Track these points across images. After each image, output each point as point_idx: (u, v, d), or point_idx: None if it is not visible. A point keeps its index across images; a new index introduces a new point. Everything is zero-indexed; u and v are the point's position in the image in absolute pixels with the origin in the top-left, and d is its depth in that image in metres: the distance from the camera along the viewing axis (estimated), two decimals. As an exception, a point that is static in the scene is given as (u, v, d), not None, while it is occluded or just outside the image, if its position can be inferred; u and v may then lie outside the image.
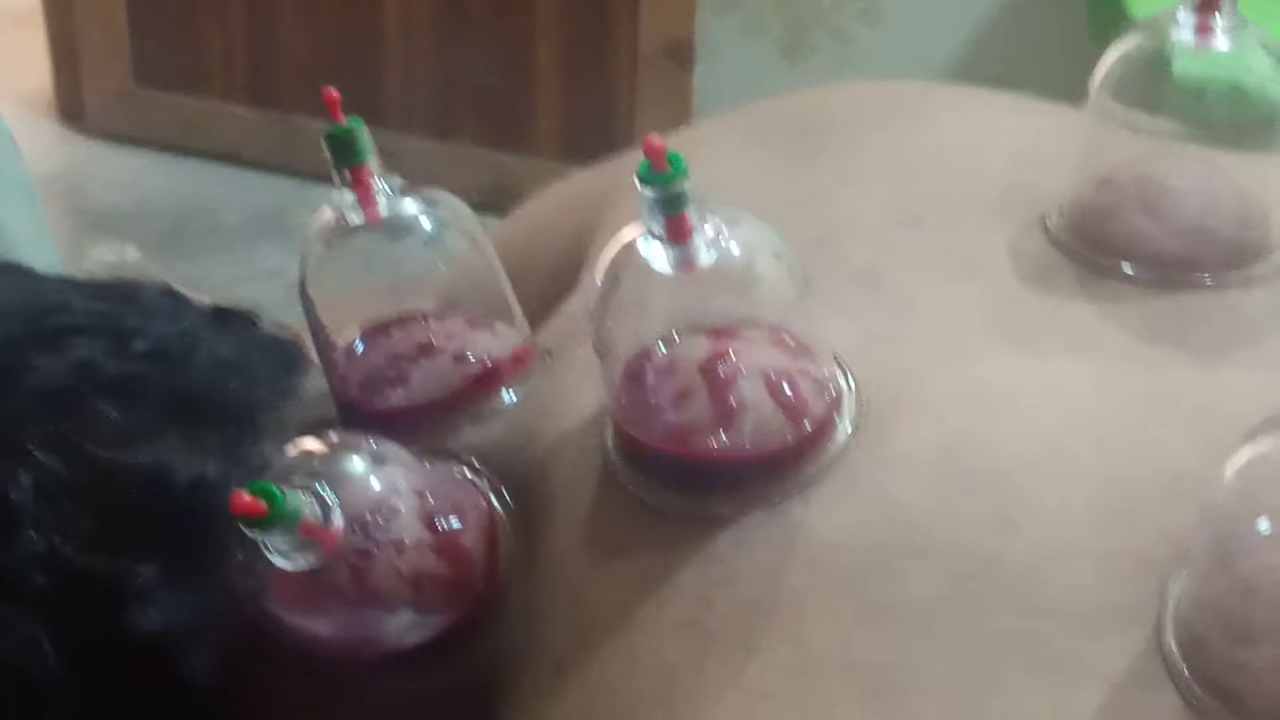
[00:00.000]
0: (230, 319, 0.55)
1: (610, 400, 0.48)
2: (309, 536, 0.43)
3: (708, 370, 0.47)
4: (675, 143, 0.45)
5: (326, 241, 0.52)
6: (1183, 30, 0.50)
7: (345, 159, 0.50)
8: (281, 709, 0.50)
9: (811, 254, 0.49)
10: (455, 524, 0.48)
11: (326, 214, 0.51)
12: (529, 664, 0.47)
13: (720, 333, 0.48)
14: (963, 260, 0.53)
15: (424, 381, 0.52)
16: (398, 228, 0.52)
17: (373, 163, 0.51)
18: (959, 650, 0.42)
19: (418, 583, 0.47)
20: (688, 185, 0.44)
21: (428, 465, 0.49)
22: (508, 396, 0.53)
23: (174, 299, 0.57)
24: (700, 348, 0.47)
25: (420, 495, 0.47)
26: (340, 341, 0.53)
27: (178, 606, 0.48)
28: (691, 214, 0.44)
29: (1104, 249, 0.52)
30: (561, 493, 0.49)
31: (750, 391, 0.47)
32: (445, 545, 0.47)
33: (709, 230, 0.45)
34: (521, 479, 0.50)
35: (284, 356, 0.54)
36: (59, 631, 0.47)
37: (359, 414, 0.52)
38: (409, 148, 2.07)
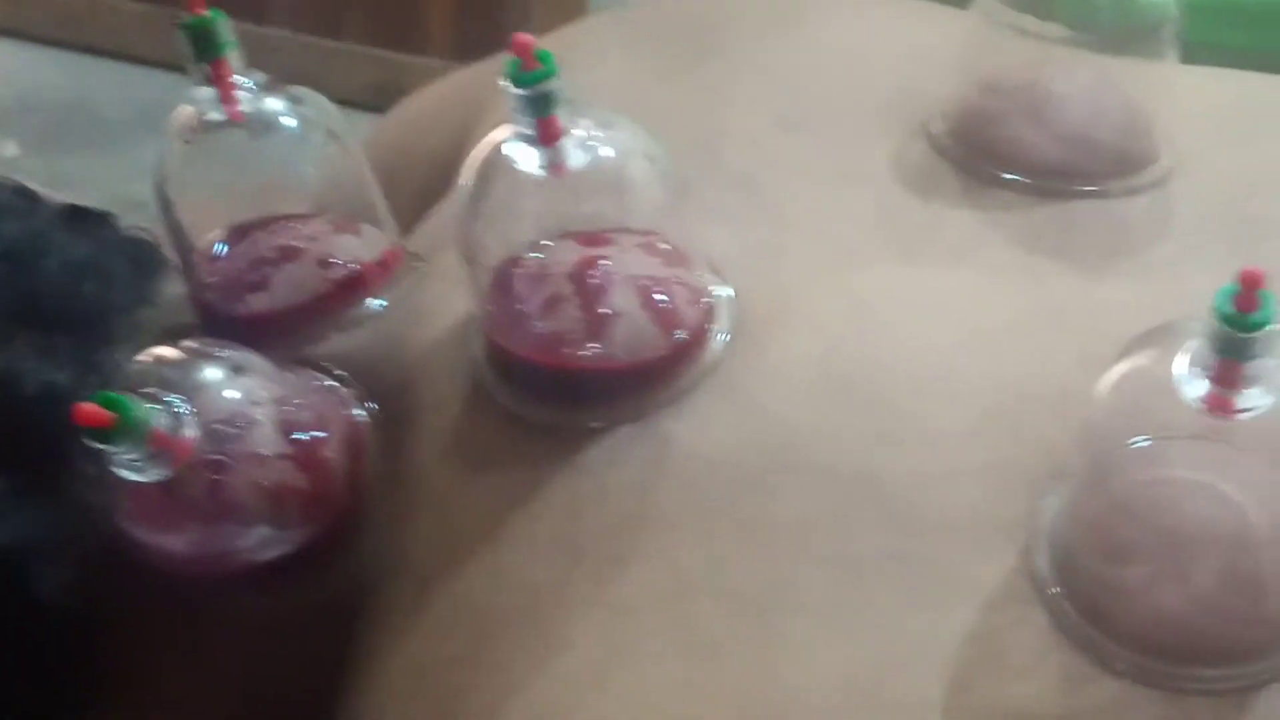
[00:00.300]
0: (86, 219, 0.53)
1: (479, 308, 0.46)
2: (158, 448, 0.41)
3: (578, 277, 0.45)
4: (553, 42, 0.43)
5: (186, 138, 0.49)
6: None
7: (204, 52, 0.47)
8: (141, 632, 0.48)
9: (688, 160, 0.47)
10: (317, 435, 0.46)
11: (186, 110, 0.48)
12: (393, 580, 0.45)
13: (593, 239, 0.46)
14: (844, 168, 0.51)
15: (287, 286, 0.50)
16: (260, 125, 0.49)
17: (233, 57, 0.48)
18: (833, 570, 0.41)
19: (276, 496, 0.45)
20: (557, 85, 0.42)
21: (289, 374, 0.47)
22: (374, 303, 0.51)
23: (25, 198, 0.54)
24: (571, 254, 0.46)
25: (280, 405, 0.46)
26: (201, 244, 0.51)
27: (26, 522, 0.46)
28: (562, 115, 0.42)
29: (988, 155, 0.51)
30: (429, 403, 0.47)
31: (621, 299, 0.45)
32: (305, 457, 0.46)
33: (580, 132, 0.43)
34: (388, 389, 0.49)
35: (142, 259, 0.52)
36: None
37: (219, 320, 0.50)
38: (296, 44, 2.02)
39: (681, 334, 0.45)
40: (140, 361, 0.44)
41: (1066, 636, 0.39)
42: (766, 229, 0.49)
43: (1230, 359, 0.36)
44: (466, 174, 0.45)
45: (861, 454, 0.43)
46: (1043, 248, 0.48)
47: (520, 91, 0.42)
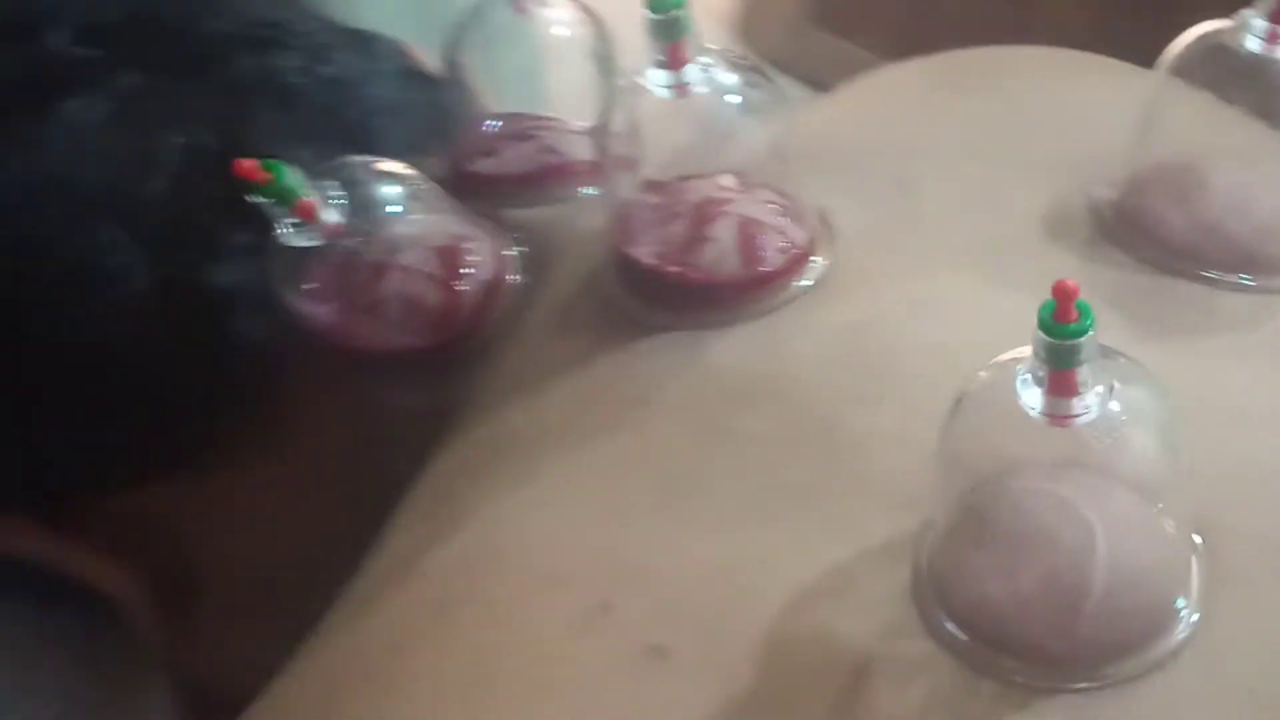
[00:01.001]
0: (425, 81, 0.65)
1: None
2: (304, 217, 0.52)
3: (699, 206, 0.53)
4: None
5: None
6: (1252, 36, 0.51)
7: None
8: (293, 392, 0.59)
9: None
10: (460, 263, 0.56)
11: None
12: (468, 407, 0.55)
13: (731, 183, 0.54)
14: (1005, 198, 0.56)
15: (512, 160, 0.60)
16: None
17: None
18: (760, 481, 0.47)
19: (410, 301, 0.55)
20: (684, 13, 0.49)
21: (457, 207, 0.57)
22: (586, 191, 0.60)
23: (407, 58, 0.67)
24: (703, 189, 0.53)
25: (436, 229, 0.55)
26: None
27: (251, 274, 0.58)
28: (689, 45, 0.50)
29: (1130, 224, 0.54)
30: (566, 271, 0.56)
31: (723, 231, 0.53)
32: (444, 277, 0.55)
33: (706, 61, 0.51)
34: (544, 252, 0.58)
35: (446, 111, 0.64)
36: (155, 264, 0.58)
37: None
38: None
39: (761, 268, 0.52)
40: (338, 160, 0.56)
41: (913, 596, 0.44)
42: (903, 220, 0.55)
43: (1058, 368, 0.40)
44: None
45: (840, 403, 0.49)
46: (1121, 306, 0.51)
47: (654, 16, 0.50)
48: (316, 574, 0.50)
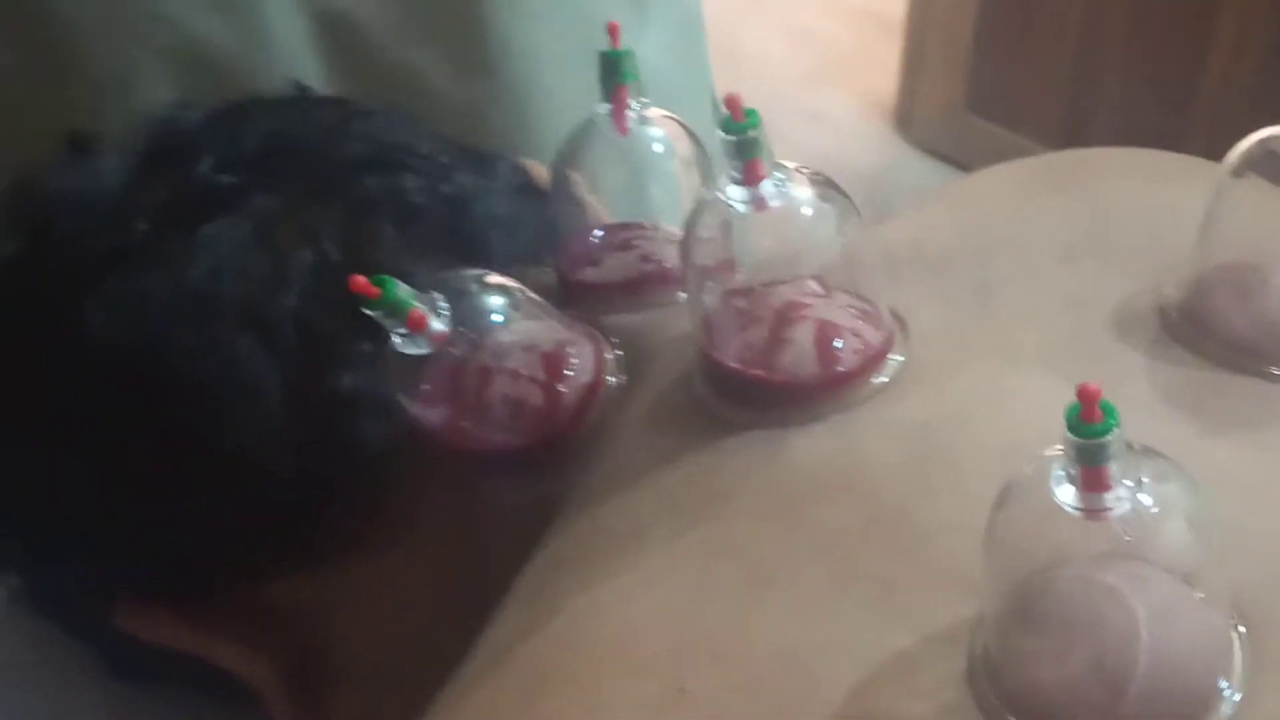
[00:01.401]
0: (538, 196, 0.70)
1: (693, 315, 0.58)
2: (414, 328, 0.57)
3: (781, 310, 0.57)
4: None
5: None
6: None
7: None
8: (415, 489, 0.63)
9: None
10: (560, 367, 0.60)
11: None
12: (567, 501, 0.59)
13: (812, 289, 0.57)
14: (1079, 297, 0.59)
15: (613, 268, 0.65)
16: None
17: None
18: (833, 570, 0.51)
19: (513, 402, 0.60)
20: (759, 134, 0.53)
21: (558, 317, 0.61)
22: (681, 297, 0.63)
23: (523, 175, 0.72)
24: (786, 293, 0.57)
25: (540, 335, 0.60)
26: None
27: (372, 379, 0.62)
28: (764, 161, 0.54)
29: (1192, 320, 0.56)
30: (657, 374, 0.60)
31: (801, 333, 0.56)
32: (545, 380, 0.60)
33: (780, 176, 0.55)
34: (638, 354, 0.62)
35: (547, 224, 0.68)
36: (288, 373, 0.63)
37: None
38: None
39: (839, 368, 0.55)
40: (447, 274, 0.60)
41: (969, 681, 0.47)
42: (976, 312, 0.58)
43: (1087, 466, 0.43)
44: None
45: (911, 497, 0.52)
46: (1179, 399, 0.54)
47: (730, 138, 0.54)
48: (435, 661, 0.54)
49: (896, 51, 2.86)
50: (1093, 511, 0.43)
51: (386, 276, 0.55)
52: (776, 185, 0.54)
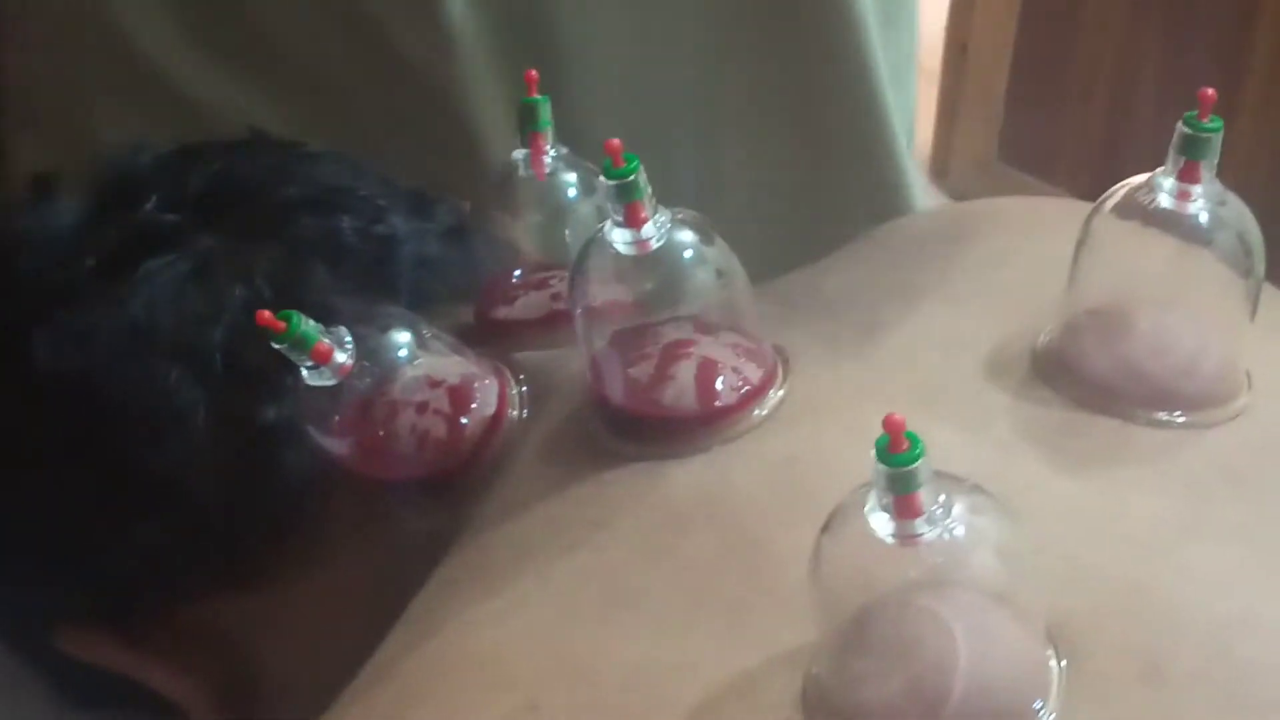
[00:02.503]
0: (464, 234, 0.73)
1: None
2: (319, 361, 0.60)
3: (667, 349, 0.60)
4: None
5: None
6: (1162, 195, 0.56)
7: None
8: (316, 520, 0.66)
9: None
10: (464, 399, 0.63)
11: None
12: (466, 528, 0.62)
13: (696, 327, 0.60)
14: (958, 340, 0.61)
15: (525, 305, 0.68)
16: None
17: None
18: (691, 596, 0.54)
19: (416, 434, 0.63)
20: (639, 178, 0.56)
21: (462, 351, 0.64)
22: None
23: (460, 217, 0.75)
24: (671, 333, 0.60)
25: (444, 369, 0.63)
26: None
27: (294, 411, 0.66)
28: (645, 204, 0.57)
29: (1058, 362, 0.59)
30: (552, 413, 0.63)
31: (682, 369, 0.59)
32: (449, 412, 0.63)
33: (662, 219, 0.58)
34: (541, 387, 0.65)
35: (479, 260, 0.71)
36: (215, 403, 0.67)
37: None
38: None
39: (717, 404, 0.58)
40: (358, 311, 0.63)
41: (803, 702, 0.49)
42: (854, 345, 0.61)
43: (898, 494, 0.46)
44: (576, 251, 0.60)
45: (769, 527, 0.54)
46: (1053, 444, 0.56)
47: (611, 182, 0.57)
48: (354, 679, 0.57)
49: (931, 102, 2.88)
50: (905, 538, 0.45)
51: (292, 312, 0.58)
52: (658, 227, 0.56)
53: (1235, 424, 0.57)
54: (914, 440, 0.43)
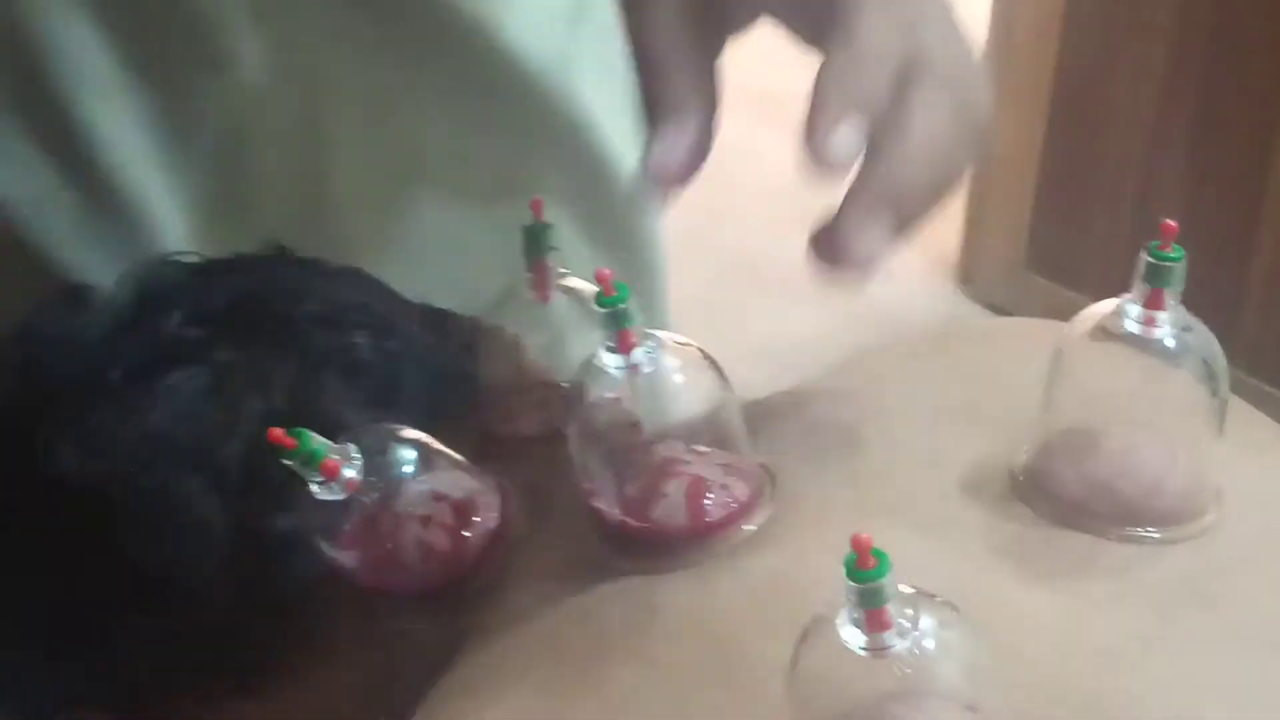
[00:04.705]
0: (476, 356, 0.76)
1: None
2: (327, 476, 0.63)
3: (656, 466, 0.63)
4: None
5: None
6: (1129, 320, 0.59)
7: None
8: (322, 625, 0.69)
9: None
10: (468, 514, 0.66)
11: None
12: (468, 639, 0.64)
13: (693, 448, 0.63)
14: (938, 458, 0.64)
15: (528, 424, 0.71)
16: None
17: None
18: (675, 704, 0.56)
19: (421, 547, 0.66)
20: (630, 306, 0.59)
21: (467, 468, 0.67)
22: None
23: (469, 334, 0.79)
24: (663, 452, 0.63)
25: (447, 484, 0.66)
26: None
27: (306, 521, 0.69)
28: (635, 332, 0.60)
29: (1032, 480, 0.62)
30: (551, 530, 0.66)
31: (673, 487, 0.62)
32: (451, 526, 0.66)
33: (651, 345, 0.61)
34: (545, 511, 0.68)
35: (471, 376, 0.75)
36: (231, 512, 0.70)
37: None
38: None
39: (705, 521, 0.61)
40: (366, 428, 0.67)
41: None
42: (841, 479, 0.64)
43: (868, 608, 0.49)
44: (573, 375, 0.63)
45: (754, 638, 0.57)
46: (1024, 559, 0.59)
47: (603, 310, 0.60)
48: None
49: (959, 209, 2.92)
50: (876, 650, 0.48)
51: (303, 430, 0.61)
52: (648, 353, 0.59)
53: (1204, 539, 0.59)
54: (881, 557, 0.46)
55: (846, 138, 0.60)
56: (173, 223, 0.92)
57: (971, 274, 3.02)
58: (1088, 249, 2.79)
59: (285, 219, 0.93)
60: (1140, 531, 0.59)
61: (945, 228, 2.99)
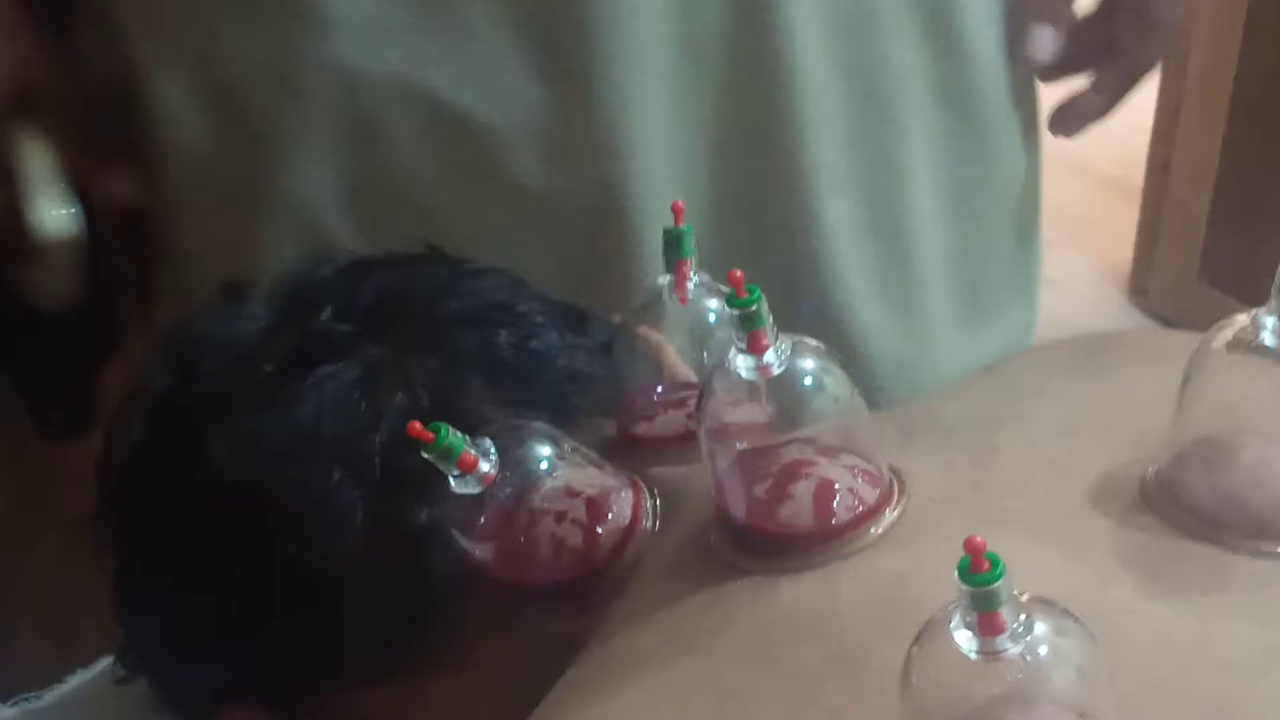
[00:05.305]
0: (617, 357, 0.78)
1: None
2: (463, 469, 0.65)
3: (787, 468, 0.63)
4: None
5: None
6: (1266, 333, 0.59)
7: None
8: (478, 615, 0.70)
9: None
10: (600, 508, 0.67)
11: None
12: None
13: (817, 450, 0.64)
14: (1069, 467, 0.64)
15: (664, 424, 0.72)
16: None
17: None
18: (795, 703, 0.57)
19: (554, 540, 0.67)
20: (762, 307, 0.60)
21: (601, 465, 0.68)
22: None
23: (612, 332, 0.80)
24: (791, 453, 0.64)
25: (582, 481, 0.67)
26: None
27: (446, 515, 0.70)
28: (767, 333, 0.61)
29: (1162, 491, 0.61)
30: (680, 525, 0.67)
31: (801, 489, 0.63)
32: (585, 521, 0.67)
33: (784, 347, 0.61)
34: (676, 510, 0.69)
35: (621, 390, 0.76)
36: (372, 505, 0.72)
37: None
38: None
39: (833, 522, 0.62)
40: (505, 424, 0.68)
41: None
42: (968, 469, 0.64)
43: (981, 611, 0.49)
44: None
45: (874, 642, 0.58)
46: (1140, 566, 0.59)
47: (735, 311, 0.61)
48: None
49: (1133, 220, 2.88)
50: (988, 654, 0.48)
51: (441, 423, 0.63)
52: (779, 354, 0.60)
53: None
54: (995, 561, 0.46)
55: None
56: None
57: (1144, 286, 2.98)
58: (1264, 261, 2.72)
59: None
60: (1272, 546, 0.58)
61: (1119, 239, 2.94)
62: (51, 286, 0.95)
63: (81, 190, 0.94)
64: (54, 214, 0.93)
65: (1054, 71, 0.99)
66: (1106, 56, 0.96)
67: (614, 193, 0.90)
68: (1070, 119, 0.99)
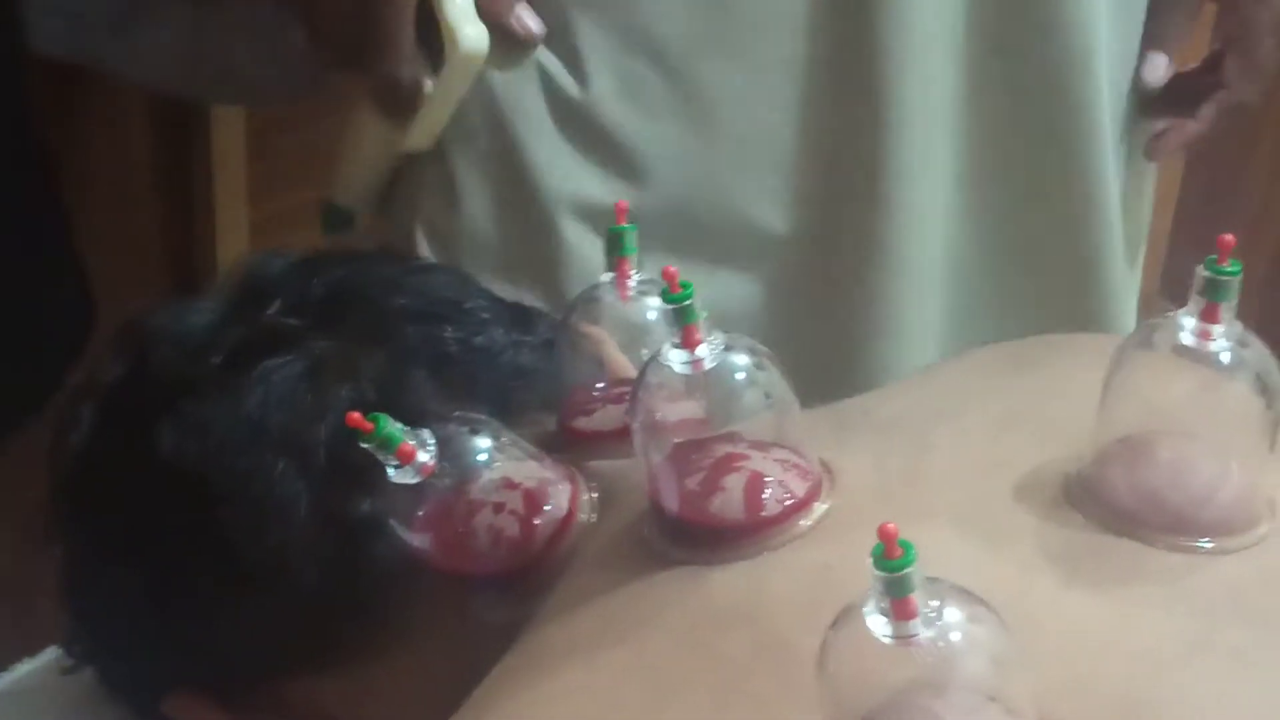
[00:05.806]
0: (560, 353, 0.79)
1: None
2: (402, 460, 0.66)
3: (720, 461, 0.65)
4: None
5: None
6: (1184, 334, 0.60)
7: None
8: (416, 604, 0.72)
9: None
10: (537, 500, 0.68)
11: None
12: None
13: (752, 444, 0.65)
14: (999, 464, 0.66)
15: (604, 417, 0.73)
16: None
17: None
18: (720, 692, 0.58)
19: (491, 530, 0.68)
20: (694, 302, 0.61)
21: (539, 457, 0.69)
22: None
23: (555, 329, 0.81)
24: (724, 446, 0.65)
25: (519, 473, 0.68)
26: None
27: (385, 504, 0.72)
28: (700, 327, 0.62)
29: (1084, 487, 0.63)
30: (615, 520, 0.69)
31: (732, 481, 0.64)
32: (522, 511, 0.68)
33: (715, 342, 0.62)
34: (612, 502, 0.70)
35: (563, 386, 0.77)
36: (316, 495, 0.73)
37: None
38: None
39: (763, 514, 0.63)
40: (445, 418, 0.69)
41: None
42: (903, 465, 0.65)
43: (894, 597, 0.50)
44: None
45: (799, 632, 0.59)
46: (1072, 563, 0.60)
47: (669, 306, 0.62)
48: None
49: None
50: (901, 639, 0.49)
51: (380, 414, 0.64)
52: (711, 349, 0.61)
53: (1253, 551, 0.59)
54: (907, 548, 0.48)
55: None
56: None
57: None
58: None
59: None
60: (1190, 541, 0.59)
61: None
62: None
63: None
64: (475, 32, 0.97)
65: (1159, 107, 1.15)
66: (1209, 95, 1.11)
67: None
68: (1169, 141, 1.16)
